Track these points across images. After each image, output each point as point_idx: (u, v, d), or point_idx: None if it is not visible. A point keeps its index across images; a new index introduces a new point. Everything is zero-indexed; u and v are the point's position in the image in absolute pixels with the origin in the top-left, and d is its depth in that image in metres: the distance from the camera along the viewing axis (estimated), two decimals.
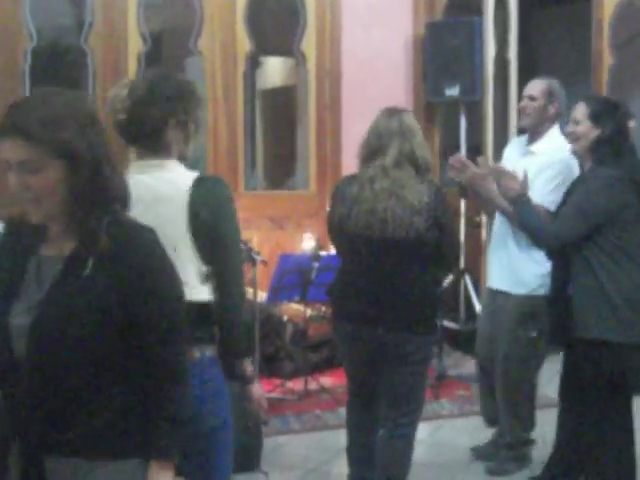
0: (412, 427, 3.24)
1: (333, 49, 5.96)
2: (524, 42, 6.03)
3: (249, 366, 2.31)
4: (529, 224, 3.14)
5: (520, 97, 5.45)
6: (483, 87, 5.71)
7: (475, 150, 5.68)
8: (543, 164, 3.56)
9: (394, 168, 3.02)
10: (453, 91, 5.87)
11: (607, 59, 6.04)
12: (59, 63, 6.31)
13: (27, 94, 5.33)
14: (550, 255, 3.24)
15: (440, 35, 5.88)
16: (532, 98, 3.71)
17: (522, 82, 5.73)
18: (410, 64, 6.13)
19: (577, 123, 3.13)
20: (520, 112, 3.78)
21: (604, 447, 3.11)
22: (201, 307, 2.19)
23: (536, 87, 3.73)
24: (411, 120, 3.14)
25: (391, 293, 3.04)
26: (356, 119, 5.85)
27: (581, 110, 3.14)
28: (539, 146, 3.69)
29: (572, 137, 3.19)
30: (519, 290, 3.66)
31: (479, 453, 4.01)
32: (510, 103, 5.80)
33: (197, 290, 2.19)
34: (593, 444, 3.14)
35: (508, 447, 3.86)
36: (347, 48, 5.95)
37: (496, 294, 3.82)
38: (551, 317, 3.28)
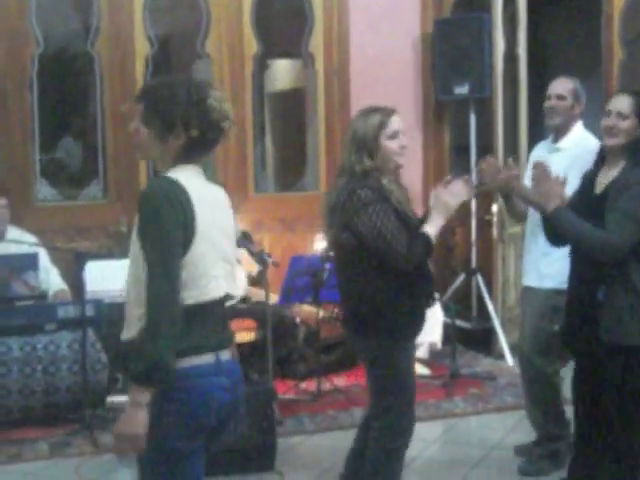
0: (382, 433, 3.02)
1: (341, 49, 5.95)
2: (533, 38, 5.99)
3: None
4: (578, 234, 2.99)
5: (531, 94, 5.44)
6: (493, 84, 5.68)
7: (485, 148, 5.65)
8: (573, 157, 3.57)
9: (338, 173, 3.09)
10: (462, 89, 5.84)
11: (618, 54, 6.00)
12: (66, 68, 6.32)
13: (35, 100, 5.35)
14: (573, 253, 3.14)
15: (449, 32, 5.86)
16: (561, 97, 3.73)
17: (532, 79, 5.72)
18: (419, 62, 6.11)
19: (623, 118, 3.02)
20: (549, 111, 3.76)
21: (633, 451, 3.08)
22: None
23: (564, 86, 3.75)
24: (355, 123, 3.01)
25: (341, 295, 3.12)
26: None
27: (627, 104, 3.04)
28: (566, 142, 3.74)
29: (612, 131, 3.04)
30: (545, 284, 3.67)
31: (524, 451, 3.97)
32: (520, 100, 5.76)
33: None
34: (622, 447, 3.10)
35: (537, 444, 3.84)
36: (355, 48, 5.93)
37: (526, 291, 3.87)
38: (571, 318, 3.21)
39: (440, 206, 2.94)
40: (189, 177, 2.19)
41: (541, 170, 3.08)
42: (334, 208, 2.94)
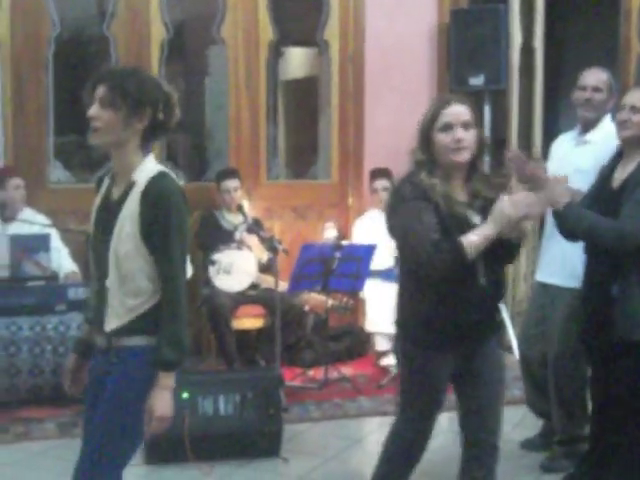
0: (398, 421, 2.90)
1: (356, 38, 5.92)
2: (550, 30, 5.95)
3: None
4: (590, 226, 2.97)
5: (547, 87, 5.36)
6: (508, 76, 5.64)
7: (499, 141, 5.63)
8: (601, 152, 3.47)
9: None
10: (478, 80, 5.80)
11: (635, 47, 5.95)
12: (82, 51, 6.33)
13: (50, 82, 5.36)
14: (588, 249, 3.11)
15: (465, 23, 5.81)
16: (597, 89, 3.63)
17: (548, 71, 5.69)
18: (434, 53, 6.08)
19: (636, 111, 3.05)
20: (584, 103, 3.65)
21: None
22: None
23: (598, 77, 3.66)
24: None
25: None
26: (379, 108, 5.83)
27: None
28: (594, 135, 3.65)
29: (626, 124, 3.08)
30: (572, 283, 3.52)
31: (529, 445, 3.98)
32: (535, 93, 5.73)
33: None
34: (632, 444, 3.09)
35: (560, 443, 3.79)
36: (370, 37, 5.90)
37: (547, 288, 3.76)
38: (587, 315, 3.16)
39: (496, 213, 2.56)
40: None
41: (537, 177, 3.07)
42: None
